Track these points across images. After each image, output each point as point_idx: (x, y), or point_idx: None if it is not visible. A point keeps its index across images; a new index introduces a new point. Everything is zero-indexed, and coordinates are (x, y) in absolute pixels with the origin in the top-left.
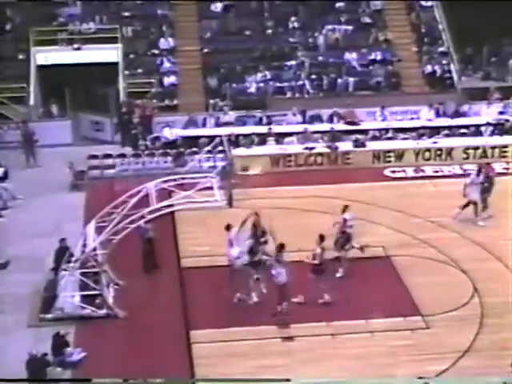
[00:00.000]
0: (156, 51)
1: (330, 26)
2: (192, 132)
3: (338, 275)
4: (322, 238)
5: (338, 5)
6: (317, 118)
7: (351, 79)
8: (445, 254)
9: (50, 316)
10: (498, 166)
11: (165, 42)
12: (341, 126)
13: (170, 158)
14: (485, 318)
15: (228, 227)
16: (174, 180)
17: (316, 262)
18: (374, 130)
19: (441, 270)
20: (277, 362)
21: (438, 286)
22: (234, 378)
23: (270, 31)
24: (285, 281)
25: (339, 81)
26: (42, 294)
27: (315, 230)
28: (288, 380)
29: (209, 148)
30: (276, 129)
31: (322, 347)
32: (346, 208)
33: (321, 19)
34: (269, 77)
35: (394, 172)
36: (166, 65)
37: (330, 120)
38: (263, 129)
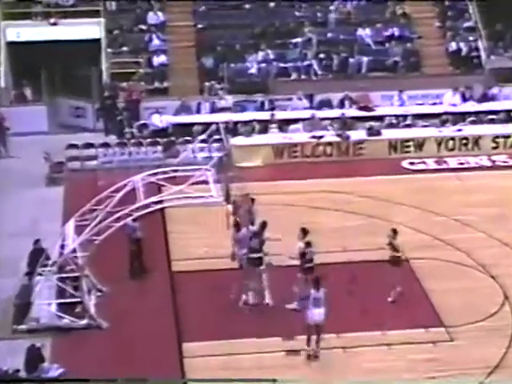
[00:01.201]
0: (144, 27)
1: None
2: (184, 119)
3: (390, 299)
4: (304, 231)
5: None
6: (326, 103)
7: (365, 59)
8: (471, 257)
9: (23, 327)
10: None
11: (154, 17)
12: (353, 111)
13: (159, 148)
14: None
15: (237, 225)
16: (165, 173)
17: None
18: (391, 116)
19: (467, 274)
20: (281, 378)
21: (463, 293)
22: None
23: (272, 4)
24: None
25: (351, 60)
26: (14, 302)
27: (324, 230)
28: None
29: (203, 137)
30: (280, 115)
31: (331, 361)
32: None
33: None
34: (271, 56)
35: (413, 164)
36: (155, 42)
37: (341, 105)
38: (265, 115)
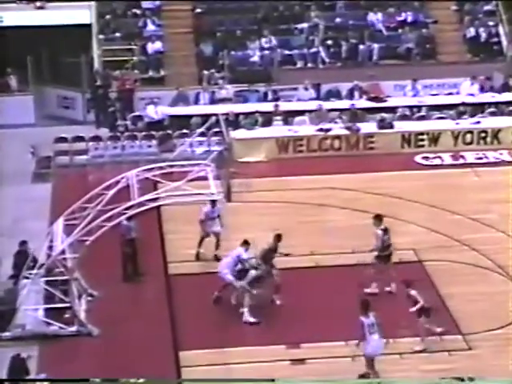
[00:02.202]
0: (138, 11)
1: None
2: (182, 110)
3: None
4: (379, 218)
5: None
6: (334, 93)
7: (376, 45)
8: (490, 259)
9: (7, 334)
10: None
11: (148, 0)
12: (363, 102)
13: (154, 142)
14: None
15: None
16: (161, 168)
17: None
18: (404, 107)
19: (485, 277)
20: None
21: (481, 298)
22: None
23: None
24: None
25: (361, 47)
26: None
27: (331, 229)
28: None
29: (202, 129)
30: (284, 106)
31: (339, 371)
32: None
33: None
34: (275, 43)
35: (427, 159)
36: (150, 28)
37: (350, 95)
38: (268, 106)
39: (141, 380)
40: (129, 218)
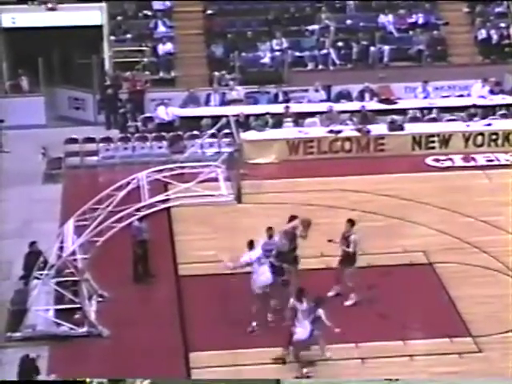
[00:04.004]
0: (149, 12)
1: None
2: (192, 111)
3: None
4: (351, 222)
5: None
6: (344, 95)
7: (387, 47)
8: (500, 261)
9: (18, 335)
10: None
11: (159, 2)
12: (373, 104)
13: (165, 143)
14: None
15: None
16: (171, 169)
17: (350, 250)
18: (415, 109)
19: (496, 280)
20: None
21: (492, 300)
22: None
23: None
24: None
25: (372, 49)
26: (8, 308)
27: (341, 231)
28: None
29: (213, 131)
30: (295, 108)
31: (349, 373)
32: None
33: None
34: (286, 44)
35: (438, 161)
36: (161, 29)
37: (361, 97)
38: (279, 108)
39: (147, 381)
40: (140, 219)
